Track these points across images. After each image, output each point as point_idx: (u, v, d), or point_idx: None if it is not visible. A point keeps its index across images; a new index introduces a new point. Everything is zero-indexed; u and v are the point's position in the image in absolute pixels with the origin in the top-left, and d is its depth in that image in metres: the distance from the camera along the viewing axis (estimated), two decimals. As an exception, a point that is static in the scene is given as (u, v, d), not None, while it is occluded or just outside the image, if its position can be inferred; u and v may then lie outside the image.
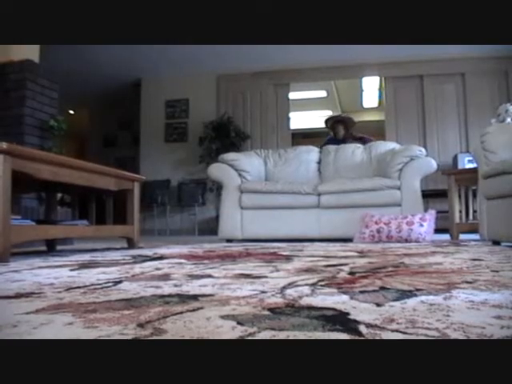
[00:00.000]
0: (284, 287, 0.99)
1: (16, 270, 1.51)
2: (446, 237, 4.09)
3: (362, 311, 0.72)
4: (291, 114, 7.70)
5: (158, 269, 1.46)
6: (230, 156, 4.35)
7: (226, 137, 7.08)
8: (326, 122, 5.99)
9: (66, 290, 1.01)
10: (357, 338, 0.56)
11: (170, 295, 0.91)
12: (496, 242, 2.86)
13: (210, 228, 6.86)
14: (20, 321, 0.68)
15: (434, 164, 3.91)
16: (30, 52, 3.98)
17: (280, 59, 7.05)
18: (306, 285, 1.03)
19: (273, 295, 0.89)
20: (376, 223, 3.42)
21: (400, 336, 0.57)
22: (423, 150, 4.04)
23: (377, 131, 7.48)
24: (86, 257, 2.13)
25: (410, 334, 0.58)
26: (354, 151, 4.47)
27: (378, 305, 0.77)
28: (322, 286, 1.01)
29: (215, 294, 0.92)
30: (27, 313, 0.74)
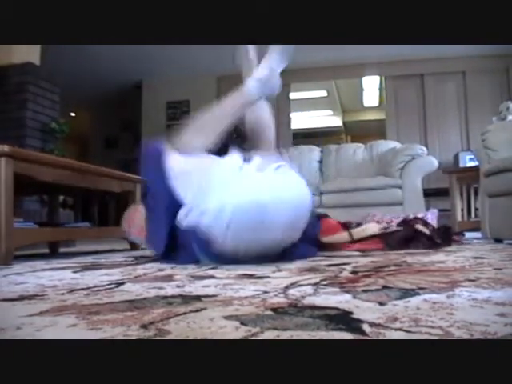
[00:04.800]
0: (287, 287, 0.99)
1: (19, 272, 1.52)
2: (449, 235, 4.07)
3: (365, 310, 0.72)
4: (292, 114, 7.69)
5: (160, 270, 1.47)
6: (232, 156, 4.34)
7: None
8: None
9: (69, 291, 1.01)
10: (360, 337, 0.56)
11: (172, 296, 0.91)
12: (498, 240, 2.85)
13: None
14: (24, 323, 0.68)
15: (435, 162, 3.91)
16: (30, 55, 3.99)
17: (280, 59, 7.03)
18: (309, 284, 1.03)
19: (276, 295, 0.89)
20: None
21: (403, 335, 0.57)
22: (424, 148, 4.04)
23: (378, 130, 7.47)
24: (89, 259, 2.13)
25: (414, 332, 0.58)
26: (356, 151, 4.48)
27: (381, 304, 0.77)
28: (324, 285, 1.01)
29: (218, 294, 0.92)
30: (31, 315, 0.74)
